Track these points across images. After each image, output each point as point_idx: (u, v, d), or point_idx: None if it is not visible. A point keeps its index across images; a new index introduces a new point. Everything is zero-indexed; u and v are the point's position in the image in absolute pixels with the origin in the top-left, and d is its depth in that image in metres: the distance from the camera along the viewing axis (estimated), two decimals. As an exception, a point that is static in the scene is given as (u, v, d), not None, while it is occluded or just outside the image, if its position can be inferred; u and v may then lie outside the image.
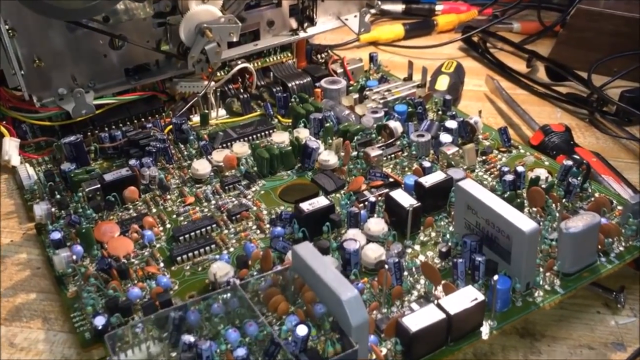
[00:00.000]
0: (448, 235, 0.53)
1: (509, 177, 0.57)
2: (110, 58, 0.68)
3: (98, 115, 0.69)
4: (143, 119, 0.71)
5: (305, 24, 0.80)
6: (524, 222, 0.46)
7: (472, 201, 0.50)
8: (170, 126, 0.70)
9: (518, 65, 0.94)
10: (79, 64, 0.66)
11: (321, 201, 0.55)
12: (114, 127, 0.70)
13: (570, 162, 0.59)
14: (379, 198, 0.58)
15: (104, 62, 0.68)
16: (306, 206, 0.54)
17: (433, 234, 0.55)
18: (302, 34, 0.80)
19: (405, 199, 0.54)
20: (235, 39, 0.71)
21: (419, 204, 0.54)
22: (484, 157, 0.64)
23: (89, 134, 0.69)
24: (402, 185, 0.59)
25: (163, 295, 0.47)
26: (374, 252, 0.51)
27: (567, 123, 0.79)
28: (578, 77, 0.85)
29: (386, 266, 0.48)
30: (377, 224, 0.54)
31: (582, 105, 0.82)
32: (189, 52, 0.70)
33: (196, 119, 0.74)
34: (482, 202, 0.49)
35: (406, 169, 0.63)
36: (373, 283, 0.48)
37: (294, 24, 0.80)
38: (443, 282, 0.48)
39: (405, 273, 0.50)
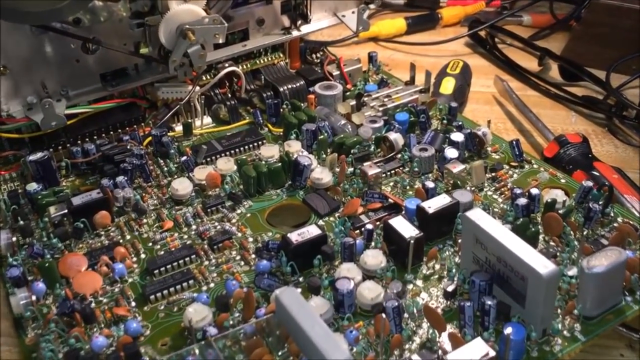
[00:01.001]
0: (454, 270, 0.47)
1: (522, 201, 0.51)
2: (83, 63, 0.62)
3: (71, 125, 0.63)
4: (120, 130, 0.65)
5: (299, 22, 0.73)
6: (541, 263, 0.40)
7: (482, 235, 0.44)
8: (150, 138, 0.64)
9: (529, 62, 0.87)
10: (49, 70, 0.60)
11: (312, 230, 0.49)
12: (88, 139, 0.64)
13: (589, 184, 0.53)
14: (377, 224, 0.52)
15: (76, 68, 0.62)
16: (295, 237, 0.49)
17: (437, 267, 0.49)
18: (295, 33, 0.74)
19: (406, 228, 0.48)
20: (221, 41, 0.65)
21: (421, 234, 0.48)
22: (493, 174, 0.58)
23: (60, 147, 0.63)
24: (403, 209, 0.53)
25: (131, 346, 0.41)
26: (370, 292, 0.45)
27: (583, 129, 0.73)
28: (594, 77, 0.79)
29: (384, 315, 0.42)
30: (375, 257, 0.48)
31: (599, 109, 0.75)
32: (170, 55, 0.64)
33: (179, 128, 0.68)
34: (493, 238, 0.43)
35: (407, 187, 0.57)
36: (369, 330, 0.43)
37: (286, 21, 0.73)
38: (448, 330, 0.42)
39: (406, 315, 0.44)
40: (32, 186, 0.56)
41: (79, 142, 0.63)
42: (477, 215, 0.45)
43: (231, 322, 0.44)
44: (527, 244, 0.42)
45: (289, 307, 0.38)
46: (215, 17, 0.63)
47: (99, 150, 0.61)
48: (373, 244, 0.51)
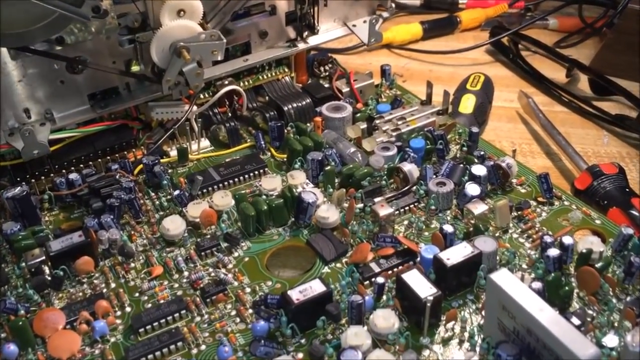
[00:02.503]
0: (476, 337, 0.42)
1: (554, 253, 0.45)
2: (69, 83, 0.57)
3: (57, 151, 0.58)
4: (110, 156, 0.60)
5: (305, 33, 0.67)
6: (580, 344, 0.35)
7: (510, 303, 0.38)
8: (140, 166, 0.58)
9: (555, 73, 0.80)
10: (30, 92, 0.55)
11: (315, 287, 0.44)
12: (74, 167, 0.58)
13: (629, 231, 0.47)
14: (389, 278, 0.46)
15: (61, 89, 0.57)
16: (296, 295, 0.43)
17: (457, 329, 0.43)
18: (301, 45, 0.68)
19: (421, 286, 0.43)
20: (219, 58, 0.59)
21: (439, 292, 0.42)
22: (519, 212, 0.52)
23: (44, 177, 0.57)
24: (418, 257, 0.48)
25: None
26: (380, 364, 0.40)
27: (617, 151, 0.67)
28: (627, 93, 0.72)
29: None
30: (386, 319, 0.42)
31: (634, 129, 0.69)
32: (164, 74, 0.58)
33: (174, 153, 0.62)
34: (524, 309, 0.37)
35: (423, 227, 0.51)
36: (379, 414, 0.37)
37: (291, 33, 0.67)
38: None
39: (421, 393, 0.39)
40: (10, 226, 0.51)
41: (64, 171, 0.58)
42: (504, 279, 0.39)
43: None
44: (564, 319, 0.36)
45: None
46: (212, 32, 0.57)
47: (85, 182, 0.56)
48: (385, 297, 0.45)
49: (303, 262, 0.50)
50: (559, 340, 0.35)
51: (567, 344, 0.35)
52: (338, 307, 0.43)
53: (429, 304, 0.41)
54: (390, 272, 0.47)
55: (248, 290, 0.47)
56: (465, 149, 0.59)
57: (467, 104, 0.68)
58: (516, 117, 0.73)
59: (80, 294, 0.48)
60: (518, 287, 0.38)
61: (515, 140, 0.69)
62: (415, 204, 0.54)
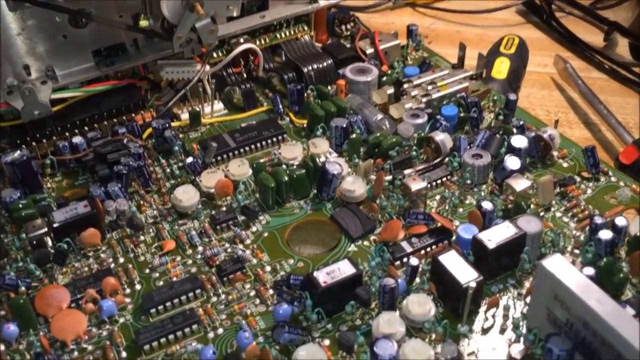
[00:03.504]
0: (521, 327, 0.38)
1: (606, 235, 0.41)
2: (72, 38, 0.52)
3: (59, 112, 0.53)
4: (117, 118, 0.55)
5: (328, -12, 0.62)
6: (648, 343, 0.31)
7: (564, 293, 0.34)
8: (150, 130, 0.54)
9: (593, 36, 0.75)
10: (30, 47, 0.50)
11: (344, 268, 0.40)
12: (78, 129, 0.54)
13: (688, 212, 0.42)
14: (423, 259, 0.42)
15: (63, 45, 0.52)
16: (323, 277, 0.39)
17: (499, 319, 0.39)
18: (322, 2, 0.62)
19: (461, 270, 0.39)
20: (235, 14, 0.54)
21: (481, 277, 0.38)
22: (562, 189, 0.48)
23: (45, 139, 0.53)
24: (454, 236, 0.44)
25: None
26: (418, 355, 0.36)
27: (660, 123, 0.62)
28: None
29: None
30: (421, 305, 0.39)
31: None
32: (175, 29, 0.53)
33: (185, 116, 0.58)
34: (581, 300, 0.33)
35: (458, 203, 0.47)
36: (416, 412, 0.34)
37: (312, -13, 0.62)
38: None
39: (461, 388, 0.35)
40: (9, 193, 0.47)
41: (67, 134, 0.54)
42: (558, 265, 0.35)
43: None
44: (629, 314, 0.32)
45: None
46: (228, -16, 0.52)
47: (90, 146, 0.52)
48: (418, 280, 0.42)
49: (326, 239, 0.47)
50: (623, 338, 0.31)
51: (632, 341, 0.31)
52: (369, 292, 0.39)
53: (470, 290, 0.37)
54: (423, 252, 0.43)
55: (268, 268, 0.44)
56: (500, 117, 0.54)
57: (501, 69, 0.63)
58: (550, 84, 0.68)
59: (86, 269, 0.44)
60: (574, 275, 0.34)
61: (550, 108, 0.64)
62: (448, 177, 0.50)
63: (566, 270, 0.35)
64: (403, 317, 0.38)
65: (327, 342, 0.38)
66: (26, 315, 0.39)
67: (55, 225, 0.44)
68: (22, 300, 0.39)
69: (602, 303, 0.33)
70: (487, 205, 0.44)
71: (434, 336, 0.38)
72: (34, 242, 0.44)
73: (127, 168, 0.49)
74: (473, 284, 0.38)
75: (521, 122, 0.52)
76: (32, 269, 0.42)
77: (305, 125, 0.57)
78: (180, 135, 0.55)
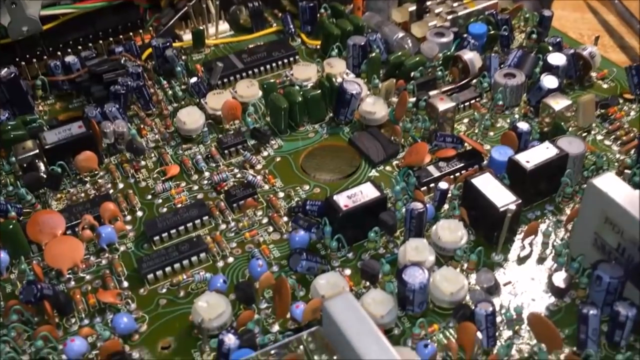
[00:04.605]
0: (563, 254, 0.34)
1: (657, 157, 0.37)
2: (62, -54, 0.47)
3: (50, 30, 0.49)
4: (113, 38, 0.51)
5: None
6: None
7: (618, 215, 0.31)
8: (149, 50, 0.49)
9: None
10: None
11: (366, 191, 0.36)
12: (71, 49, 0.49)
13: None
14: (454, 183, 0.39)
15: (52, -47, 0.47)
16: (344, 200, 0.35)
17: (537, 247, 0.36)
18: None
19: (497, 193, 0.35)
20: None
21: (520, 201, 0.35)
22: (603, 110, 0.44)
23: (36, 60, 0.49)
24: (485, 160, 0.40)
25: (117, 357, 0.30)
26: (450, 284, 0.32)
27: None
28: None
29: (479, 334, 0.29)
30: (453, 231, 0.35)
31: None
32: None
33: (188, 37, 0.53)
34: (638, 220, 0.29)
35: (489, 125, 0.43)
36: (450, 344, 0.30)
37: None
38: (566, 351, 0.30)
39: (499, 319, 0.32)
40: (-4, 114, 0.43)
41: (59, 53, 0.49)
42: (611, 184, 0.31)
43: (257, 317, 0.32)
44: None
45: (344, 327, 0.26)
46: None
47: (85, 66, 0.48)
48: (446, 206, 0.38)
49: (343, 165, 0.43)
50: (689, 261, 0.28)
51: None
52: (394, 217, 0.36)
53: (509, 214, 0.34)
54: (452, 176, 0.39)
55: (281, 195, 0.40)
56: (534, 36, 0.50)
57: (531, -14, 0.57)
58: (583, 6, 0.63)
59: (83, 195, 0.40)
60: (629, 194, 0.31)
61: (583, 32, 0.60)
62: (477, 99, 0.45)
63: (620, 188, 0.31)
64: (432, 245, 0.35)
65: (347, 272, 0.35)
66: (16, 241, 0.36)
67: (47, 146, 0.40)
68: (11, 225, 0.36)
69: (663, 224, 0.29)
70: (523, 125, 0.40)
71: (465, 265, 0.35)
72: (25, 165, 0.40)
73: (125, 88, 0.45)
74: (513, 207, 0.34)
75: (558, 39, 0.48)
76: (23, 193, 0.39)
77: (318, 47, 0.52)
78: (183, 57, 0.51)
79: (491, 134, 0.43)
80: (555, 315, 0.32)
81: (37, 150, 0.40)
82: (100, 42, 0.50)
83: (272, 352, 0.28)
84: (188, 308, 0.33)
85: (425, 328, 0.31)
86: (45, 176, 0.40)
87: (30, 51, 0.49)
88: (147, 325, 0.33)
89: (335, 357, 0.30)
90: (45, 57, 0.49)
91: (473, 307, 0.31)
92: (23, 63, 0.48)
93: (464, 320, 0.30)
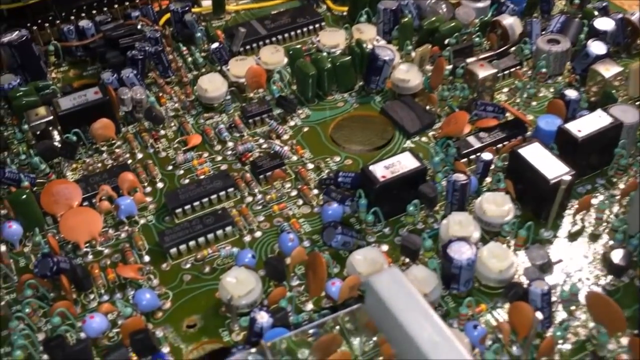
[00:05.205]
0: (620, 230, 0.32)
1: None
2: None
3: (62, -6, 0.46)
4: (128, 2, 0.48)
5: None
6: None
7: (687, 186, 0.28)
8: (168, 15, 0.47)
9: None
10: None
11: (405, 162, 0.33)
12: (85, 13, 0.47)
13: None
14: (499, 153, 0.36)
15: None
16: (381, 171, 0.33)
17: (590, 224, 0.33)
18: None
19: (548, 164, 0.32)
20: None
21: (574, 172, 0.32)
22: (652, 80, 0.41)
23: (48, 24, 0.46)
24: (529, 131, 0.37)
25: (142, 336, 0.27)
26: (498, 261, 0.30)
27: None
28: None
29: (538, 315, 0.27)
30: (499, 205, 0.32)
31: None
32: None
33: (207, 3, 0.50)
34: None
35: (533, 93, 0.40)
36: (502, 325, 0.28)
37: None
38: (628, 333, 0.28)
39: (553, 298, 0.29)
40: (7, 79, 0.41)
41: (73, 17, 0.46)
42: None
43: (289, 294, 0.30)
44: None
45: (391, 304, 0.23)
46: None
47: (99, 30, 0.45)
48: (489, 180, 0.35)
49: (373, 137, 0.40)
50: None
51: None
52: (435, 189, 0.33)
53: (563, 186, 0.31)
54: (500, 150, 0.37)
55: (310, 166, 0.37)
56: (576, 1, 0.46)
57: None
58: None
59: (99, 165, 0.38)
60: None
61: (624, 1, 0.56)
62: (518, 67, 0.42)
63: (690, 158, 0.28)
64: (477, 220, 0.32)
65: (385, 247, 0.33)
66: (30, 212, 0.33)
67: (61, 113, 0.38)
68: (24, 194, 0.33)
69: None
70: (571, 93, 0.37)
71: (514, 241, 0.32)
72: (38, 133, 0.37)
73: (142, 53, 0.42)
74: (567, 178, 0.31)
75: (604, 4, 0.44)
76: (37, 162, 0.36)
77: (345, 13, 0.49)
78: (202, 24, 0.48)
79: (534, 103, 0.40)
80: (613, 295, 0.30)
81: (51, 117, 0.38)
82: (116, 6, 0.48)
83: (311, 331, 0.25)
84: (214, 285, 0.31)
85: (472, 308, 0.29)
86: (59, 145, 0.37)
87: (42, 16, 0.46)
88: (171, 303, 0.31)
89: (374, 338, 0.28)
90: (58, 21, 0.46)
91: (526, 286, 0.28)
92: (35, 28, 0.46)
93: (516, 299, 0.28)
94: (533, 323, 0.26)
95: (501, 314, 0.29)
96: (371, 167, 0.33)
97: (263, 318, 0.27)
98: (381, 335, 0.27)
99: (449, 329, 0.23)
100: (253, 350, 0.25)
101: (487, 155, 0.35)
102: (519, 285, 0.29)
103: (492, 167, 0.35)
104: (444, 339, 0.22)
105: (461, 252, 0.29)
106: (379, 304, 0.24)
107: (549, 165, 0.32)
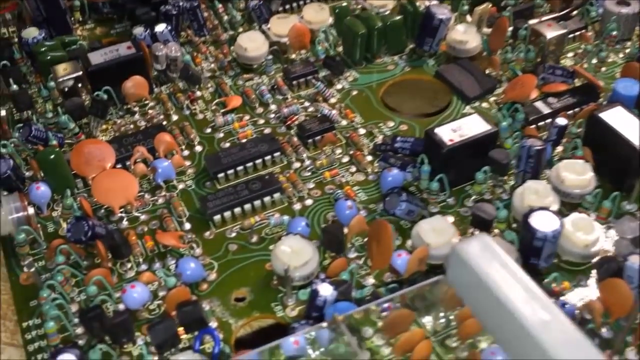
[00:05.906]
0: None
1: None
2: None
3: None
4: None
5: None
6: None
7: None
8: (202, -29, 0.44)
9: None
10: None
11: (472, 124, 0.30)
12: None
13: None
14: (575, 118, 0.33)
15: None
16: (448, 134, 0.30)
17: (675, 194, 0.30)
18: None
19: (633, 129, 0.29)
20: None
21: (662, 139, 0.29)
22: None
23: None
24: (601, 97, 0.34)
25: (190, 308, 0.24)
26: (585, 235, 0.27)
27: None
28: None
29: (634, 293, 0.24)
30: (579, 173, 0.29)
31: None
32: None
33: (242, -40, 0.47)
34: None
35: (604, 57, 0.37)
36: (593, 304, 0.25)
37: None
38: None
39: (643, 278, 0.26)
40: (31, 33, 0.38)
41: (100, -28, 0.43)
42: None
43: (351, 266, 0.27)
44: None
45: (483, 274, 0.20)
46: None
47: (129, -15, 0.42)
48: (560, 148, 0.32)
49: (425, 104, 0.37)
50: None
51: None
52: (508, 155, 0.30)
53: (654, 153, 0.28)
54: (575, 115, 0.33)
55: (362, 131, 0.34)
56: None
57: None
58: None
59: (132, 126, 0.35)
60: None
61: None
62: (583, 30, 0.39)
63: None
64: (554, 190, 0.29)
65: (450, 218, 0.29)
66: (59, 173, 0.30)
67: (91, 69, 0.34)
68: (53, 154, 0.30)
69: None
70: (650, 56, 0.34)
71: (596, 214, 0.29)
72: (65, 90, 0.34)
73: (177, 9, 0.39)
74: (660, 143, 0.28)
75: (677, -37, 0.41)
76: (66, 120, 0.33)
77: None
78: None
79: (603, 69, 0.37)
80: None
81: (80, 73, 0.34)
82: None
83: (385, 305, 0.22)
84: (263, 255, 0.28)
85: (558, 284, 0.26)
86: (89, 104, 0.34)
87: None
88: (217, 274, 0.28)
89: (442, 314, 0.25)
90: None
91: (620, 261, 0.25)
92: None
93: (609, 276, 0.25)
94: (635, 302, 0.23)
95: (586, 292, 0.26)
96: (436, 130, 0.30)
97: (327, 291, 0.24)
98: (460, 312, 0.24)
99: (555, 305, 0.20)
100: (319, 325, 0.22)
101: (561, 120, 0.31)
102: (612, 259, 0.26)
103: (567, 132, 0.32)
104: (555, 318, 0.19)
105: (545, 223, 0.26)
106: (470, 276, 0.21)
107: (635, 132, 0.29)
